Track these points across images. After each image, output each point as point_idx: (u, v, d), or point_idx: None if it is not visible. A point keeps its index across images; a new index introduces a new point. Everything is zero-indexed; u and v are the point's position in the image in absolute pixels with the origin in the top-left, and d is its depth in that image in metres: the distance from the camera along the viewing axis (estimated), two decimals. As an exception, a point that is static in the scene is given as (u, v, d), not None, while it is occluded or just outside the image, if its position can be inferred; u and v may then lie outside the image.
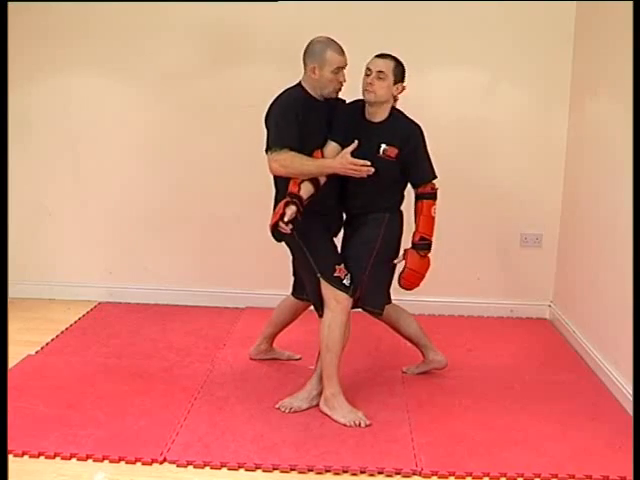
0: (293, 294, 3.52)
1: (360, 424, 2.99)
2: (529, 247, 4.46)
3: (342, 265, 3.11)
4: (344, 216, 3.32)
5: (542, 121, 4.29)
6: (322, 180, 3.07)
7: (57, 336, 4.06)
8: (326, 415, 3.08)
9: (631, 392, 3.07)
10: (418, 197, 3.18)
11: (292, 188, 3.02)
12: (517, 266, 4.49)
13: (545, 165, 4.34)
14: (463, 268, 4.46)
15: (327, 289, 3.08)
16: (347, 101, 3.18)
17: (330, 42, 3.07)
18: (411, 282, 3.20)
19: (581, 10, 4.08)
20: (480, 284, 4.51)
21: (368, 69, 3.05)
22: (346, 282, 3.09)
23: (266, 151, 3.05)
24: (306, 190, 3.02)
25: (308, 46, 3.10)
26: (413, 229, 3.18)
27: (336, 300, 3.07)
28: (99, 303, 4.66)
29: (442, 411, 3.16)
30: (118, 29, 4.38)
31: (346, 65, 3.10)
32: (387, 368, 3.62)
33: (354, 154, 2.99)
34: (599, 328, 3.63)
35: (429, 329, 4.21)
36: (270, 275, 4.46)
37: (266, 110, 3.12)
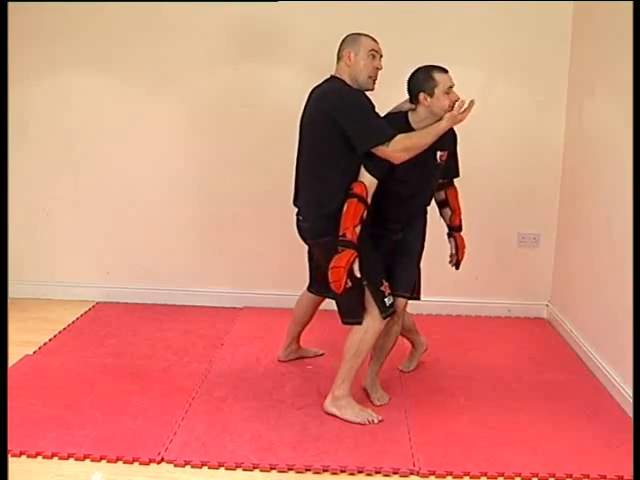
0: (310, 290, 3.49)
1: (374, 421, 3.02)
2: (526, 247, 4.47)
3: (387, 283, 3.05)
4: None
5: (539, 121, 4.29)
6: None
7: (55, 336, 4.05)
8: (333, 415, 3.06)
9: (629, 392, 3.08)
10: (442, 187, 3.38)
11: (358, 190, 2.87)
12: (515, 266, 4.49)
13: (542, 165, 4.34)
14: (461, 268, 4.45)
15: (370, 298, 3.00)
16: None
17: (362, 33, 3.04)
18: None
19: (578, 10, 4.08)
20: (478, 284, 4.51)
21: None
22: (387, 301, 3.02)
23: (372, 147, 2.84)
24: (371, 190, 2.92)
25: (342, 41, 3.05)
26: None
27: (372, 313, 3.01)
28: (97, 303, 4.66)
29: (440, 411, 3.16)
30: (116, 28, 4.38)
31: (381, 53, 3.07)
32: (385, 368, 3.60)
33: (413, 168, 2.95)
34: (597, 328, 3.63)
35: (427, 329, 4.22)
36: (268, 275, 4.48)
37: (320, 106, 2.94)
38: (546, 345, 4.06)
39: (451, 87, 3.02)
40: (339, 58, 3.05)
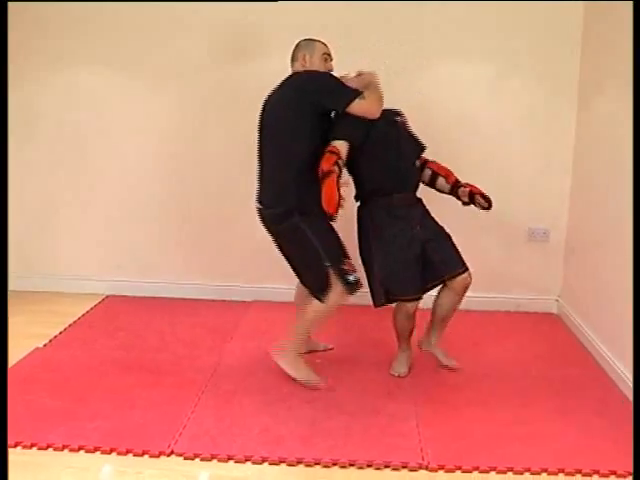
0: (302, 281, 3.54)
1: (314, 384, 3.25)
2: (536, 242, 4.45)
3: (349, 260, 3.18)
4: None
5: (550, 117, 4.27)
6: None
7: (65, 329, 4.07)
8: (278, 365, 3.29)
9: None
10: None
11: (328, 166, 3.02)
12: (524, 261, 4.48)
13: (553, 160, 4.33)
14: (470, 262, 4.44)
15: (334, 277, 3.13)
16: None
17: (315, 39, 3.33)
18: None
19: (589, 7, 4.06)
20: (487, 278, 4.49)
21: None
22: (351, 278, 3.14)
23: (347, 105, 3.09)
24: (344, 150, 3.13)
25: (296, 45, 3.32)
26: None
27: (341, 290, 3.15)
28: (107, 296, 4.67)
29: (449, 405, 3.16)
30: (124, 25, 4.38)
31: (332, 57, 3.35)
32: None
33: (382, 129, 3.27)
34: (607, 323, 3.62)
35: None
36: (277, 268, 4.44)
37: (295, 86, 3.18)
38: (556, 340, 4.05)
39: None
40: (294, 60, 3.32)
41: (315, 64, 3.25)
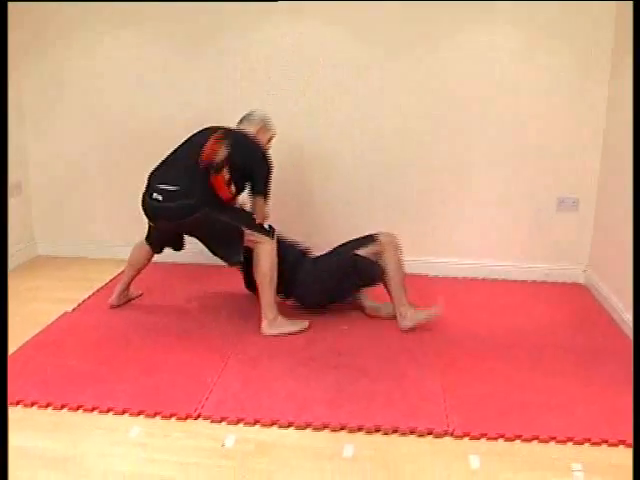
0: (147, 241, 3.87)
1: (306, 327, 3.57)
2: (566, 211, 4.39)
3: None
4: None
5: (582, 86, 4.17)
6: None
7: (93, 294, 4.12)
8: (276, 335, 3.50)
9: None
10: None
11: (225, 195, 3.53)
12: (553, 230, 4.43)
13: (584, 130, 4.25)
14: (498, 231, 4.43)
15: (255, 233, 3.55)
16: None
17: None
18: None
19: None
20: (516, 248, 4.47)
21: None
22: (267, 227, 3.64)
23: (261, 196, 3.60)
24: None
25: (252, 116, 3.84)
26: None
27: (262, 240, 3.55)
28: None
29: (474, 372, 3.16)
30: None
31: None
32: (419, 327, 3.61)
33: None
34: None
35: (463, 292, 4.23)
36: (302, 234, 4.45)
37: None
38: (583, 310, 4.02)
39: None
40: (250, 122, 3.79)
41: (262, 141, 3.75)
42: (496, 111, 4.25)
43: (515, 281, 4.45)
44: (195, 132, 3.70)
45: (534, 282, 4.46)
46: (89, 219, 4.82)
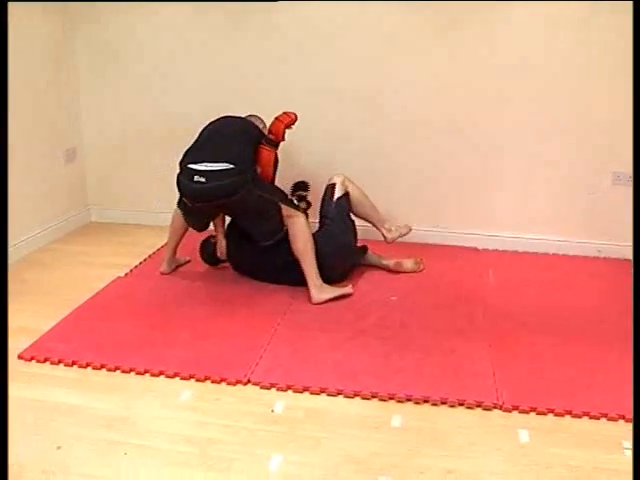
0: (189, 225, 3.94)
1: (351, 292, 3.68)
2: (621, 186, 4.29)
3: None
4: None
5: None
6: None
7: (145, 260, 4.18)
8: (327, 301, 3.56)
9: None
10: None
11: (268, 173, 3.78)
12: (608, 205, 4.33)
13: None
14: (553, 205, 4.36)
15: (288, 208, 3.63)
16: None
17: None
18: None
19: None
20: (569, 223, 4.39)
21: None
22: (297, 202, 3.85)
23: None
24: None
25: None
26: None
27: (296, 215, 3.64)
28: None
29: (524, 347, 3.12)
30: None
31: None
32: (469, 301, 3.59)
33: None
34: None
35: (514, 265, 4.18)
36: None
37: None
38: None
39: None
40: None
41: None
42: (549, 85, 4.15)
43: (567, 256, 4.38)
44: (213, 120, 3.82)
45: (586, 257, 4.37)
46: (141, 187, 4.86)
